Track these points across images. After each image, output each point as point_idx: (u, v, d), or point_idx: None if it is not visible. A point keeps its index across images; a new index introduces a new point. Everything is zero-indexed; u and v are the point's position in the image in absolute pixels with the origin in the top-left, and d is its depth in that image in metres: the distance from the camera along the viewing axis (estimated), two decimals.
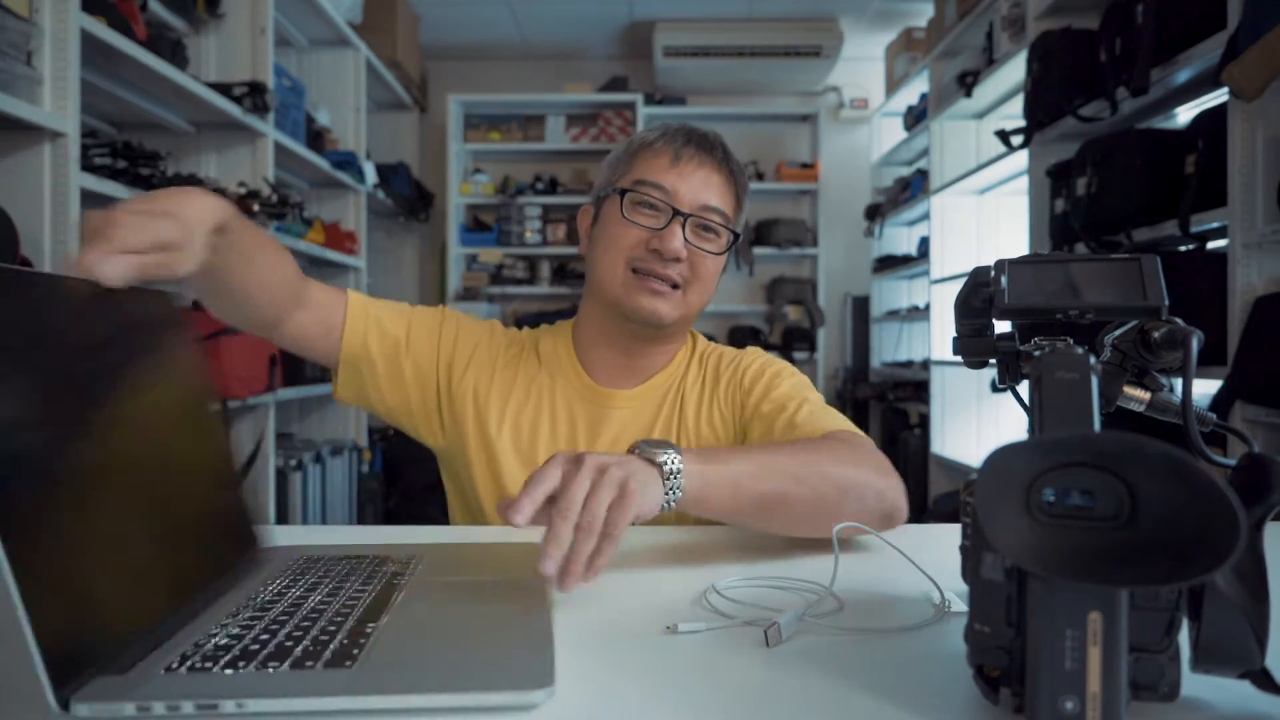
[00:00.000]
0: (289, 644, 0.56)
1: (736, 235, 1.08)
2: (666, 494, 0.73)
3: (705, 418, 1.11)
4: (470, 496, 1.11)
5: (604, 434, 1.09)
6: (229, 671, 0.52)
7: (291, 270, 0.95)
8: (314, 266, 3.75)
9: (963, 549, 0.50)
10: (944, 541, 0.91)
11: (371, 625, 0.60)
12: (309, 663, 0.53)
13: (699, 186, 1.04)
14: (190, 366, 0.73)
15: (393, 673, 0.52)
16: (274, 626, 0.60)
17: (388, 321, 1.07)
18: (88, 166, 1.94)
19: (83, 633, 0.51)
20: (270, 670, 0.52)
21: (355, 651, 0.55)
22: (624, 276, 1.04)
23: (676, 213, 1.02)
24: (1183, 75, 2.18)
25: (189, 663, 0.53)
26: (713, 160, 1.07)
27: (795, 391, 1.08)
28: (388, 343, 1.07)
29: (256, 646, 0.56)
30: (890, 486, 0.89)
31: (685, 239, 1.03)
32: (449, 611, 0.64)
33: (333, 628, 0.59)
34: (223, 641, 0.56)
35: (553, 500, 0.67)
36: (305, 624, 0.60)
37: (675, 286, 1.04)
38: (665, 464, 0.73)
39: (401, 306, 1.10)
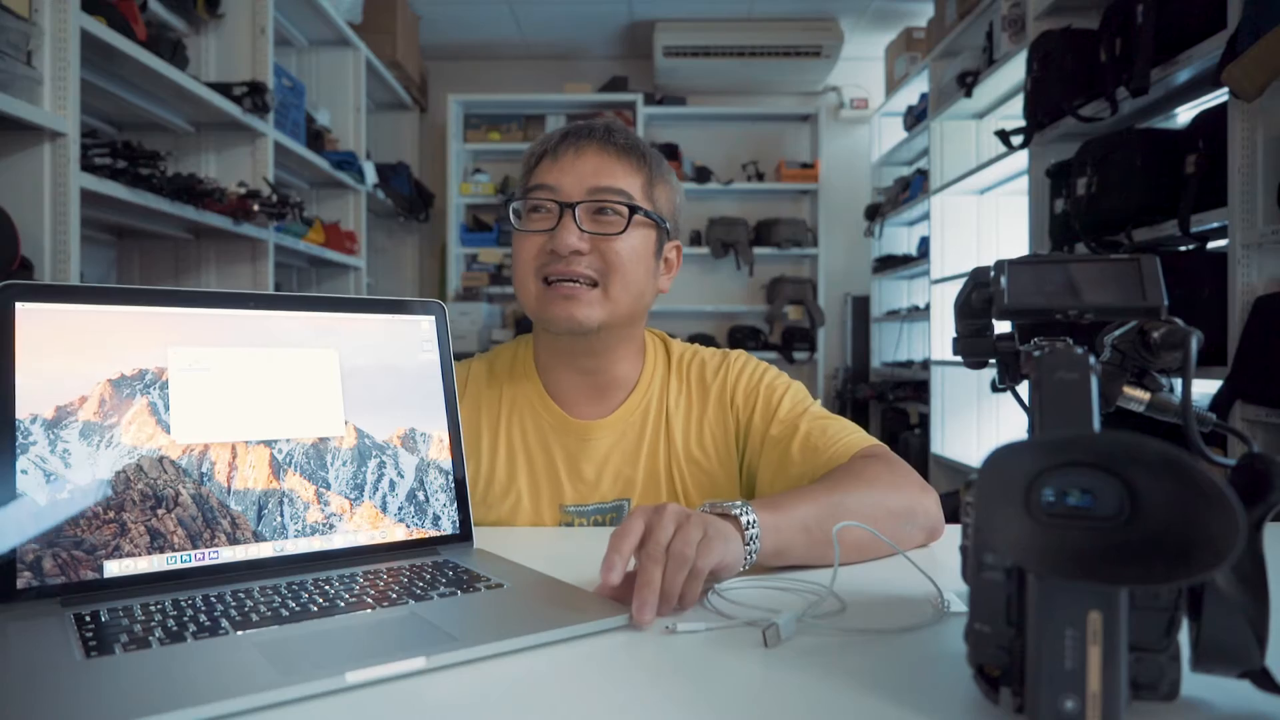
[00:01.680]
0: (235, 612, 0.64)
1: (634, 210, 0.98)
2: (747, 545, 0.72)
3: (695, 438, 1.06)
4: None
5: (586, 465, 1.05)
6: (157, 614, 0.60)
7: None
8: (314, 266, 3.75)
9: (963, 549, 0.50)
10: (944, 541, 0.91)
11: (303, 624, 0.62)
12: (202, 634, 0.59)
13: (585, 172, 0.98)
14: None
15: (206, 659, 0.56)
16: (277, 599, 0.65)
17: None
18: (88, 166, 1.94)
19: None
20: (186, 631, 0.60)
21: (236, 631, 0.60)
22: (537, 290, 0.98)
23: (564, 207, 0.97)
24: (1183, 75, 2.18)
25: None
26: (593, 143, 1.00)
27: (797, 405, 1.05)
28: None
29: (223, 607, 0.64)
30: (932, 503, 0.89)
31: (582, 229, 0.96)
32: (351, 628, 0.63)
33: (286, 612, 0.64)
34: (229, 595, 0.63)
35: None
36: (287, 603, 0.64)
37: (595, 285, 0.98)
38: (741, 517, 0.73)
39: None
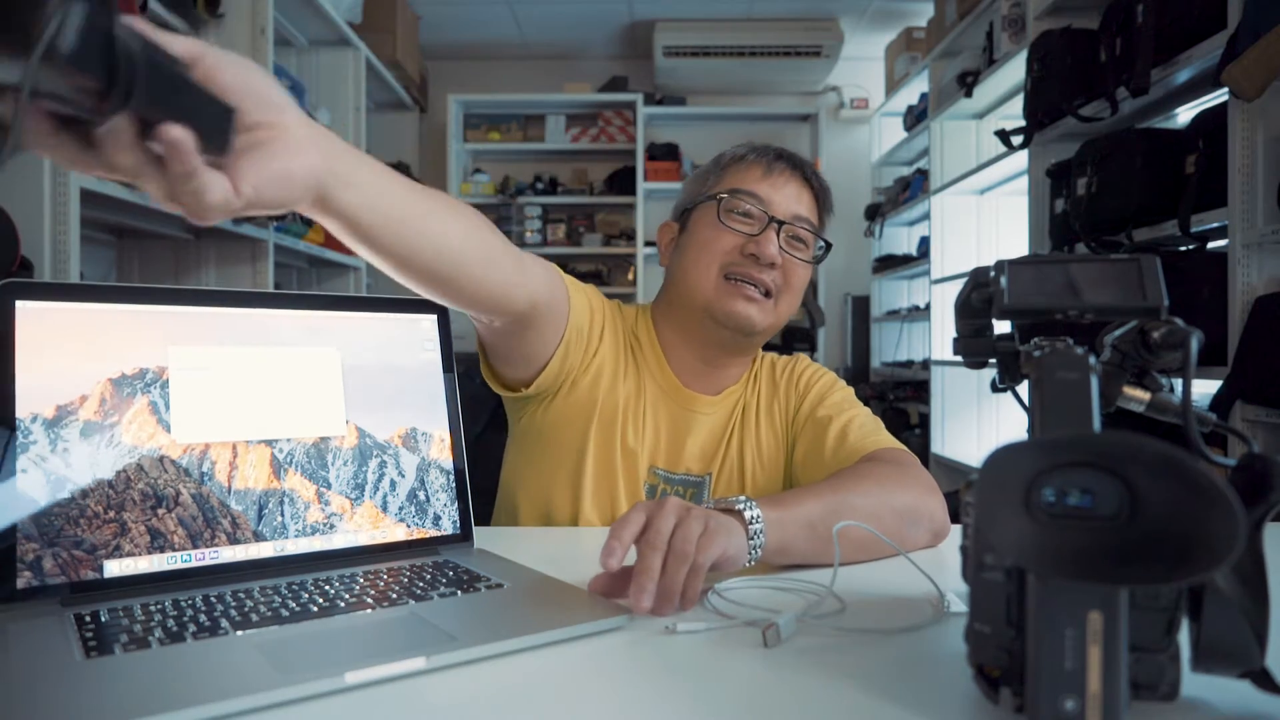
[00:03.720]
0: (235, 612, 0.64)
1: (828, 245, 1.10)
2: (751, 539, 0.73)
3: (766, 427, 1.13)
4: (562, 464, 1.07)
5: (687, 437, 1.10)
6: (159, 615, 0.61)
7: (497, 240, 0.81)
8: (314, 266, 3.75)
9: (963, 549, 0.50)
10: (945, 541, 0.91)
11: (303, 624, 0.62)
12: (202, 634, 0.59)
13: (791, 198, 1.07)
14: None
15: (200, 658, 0.56)
16: (277, 599, 0.65)
17: (576, 295, 1.03)
18: None
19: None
20: (185, 631, 0.60)
21: (236, 632, 0.60)
22: (717, 282, 1.05)
23: (772, 220, 1.04)
24: (1183, 75, 2.18)
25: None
26: (801, 175, 1.09)
27: (846, 401, 1.11)
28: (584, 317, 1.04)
29: (223, 607, 0.65)
30: (939, 506, 0.91)
31: (780, 246, 1.04)
32: (348, 628, 0.62)
33: (286, 613, 0.64)
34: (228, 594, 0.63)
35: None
36: (287, 603, 0.64)
37: (768, 294, 1.05)
38: (745, 511, 0.74)
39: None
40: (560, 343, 1.00)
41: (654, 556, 0.65)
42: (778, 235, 1.04)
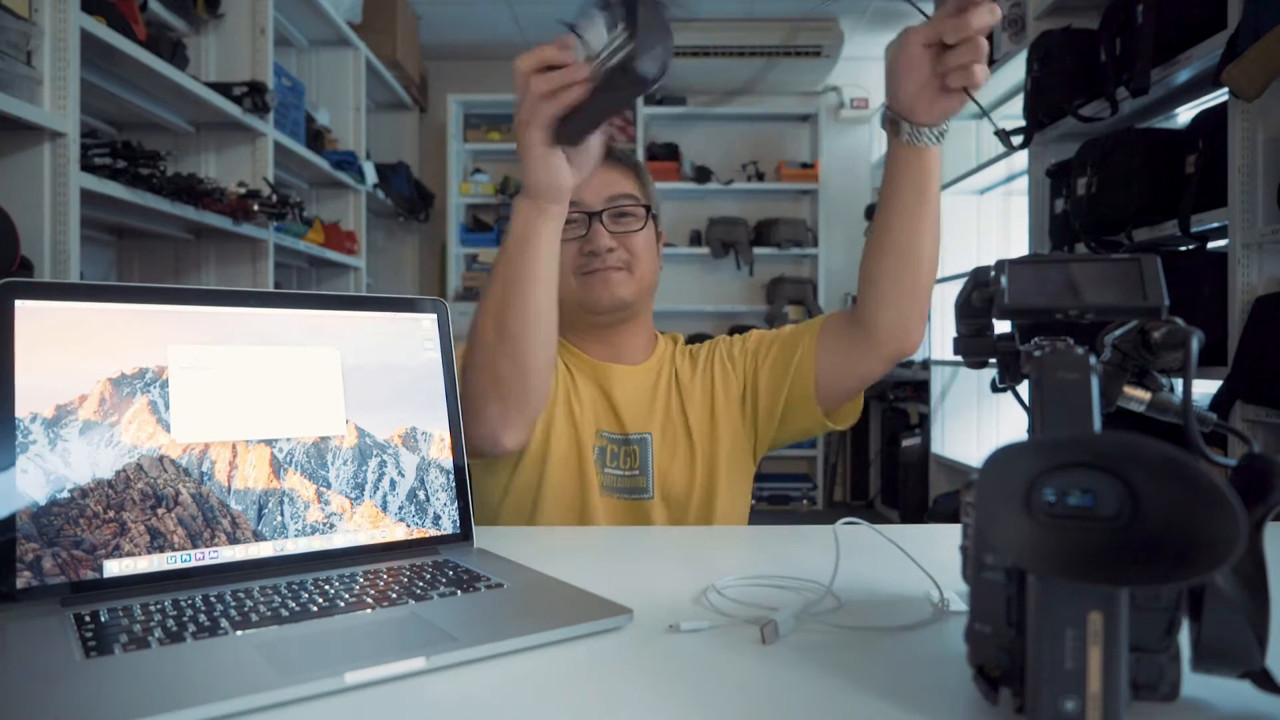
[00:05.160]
0: (235, 612, 0.64)
1: (647, 208, 1.21)
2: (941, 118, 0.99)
3: (701, 384, 1.22)
4: (511, 483, 1.16)
5: (617, 399, 1.19)
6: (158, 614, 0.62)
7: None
8: (314, 266, 3.75)
9: (963, 549, 0.50)
10: (944, 541, 0.91)
11: (303, 624, 0.62)
12: (202, 634, 0.59)
13: (598, 185, 1.17)
14: None
15: (200, 660, 0.56)
16: (277, 599, 0.66)
17: None
18: (87, 166, 1.94)
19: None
20: (185, 631, 0.60)
21: (236, 632, 0.60)
22: (576, 284, 1.18)
23: (591, 215, 1.16)
24: (1183, 75, 2.18)
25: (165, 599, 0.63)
26: (602, 160, 1.17)
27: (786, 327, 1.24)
28: None
29: (223, 607, 0.65)
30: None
31: (609, 231, 1.17)
32: (342, 630, 0.62)
33: (286, 612, 0.64)
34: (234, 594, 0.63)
35: None
36: (287, 603, 0.65)
37: (621, 269, 1.17)
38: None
39: None
40: None
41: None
42: (603, 224, 1.16)
